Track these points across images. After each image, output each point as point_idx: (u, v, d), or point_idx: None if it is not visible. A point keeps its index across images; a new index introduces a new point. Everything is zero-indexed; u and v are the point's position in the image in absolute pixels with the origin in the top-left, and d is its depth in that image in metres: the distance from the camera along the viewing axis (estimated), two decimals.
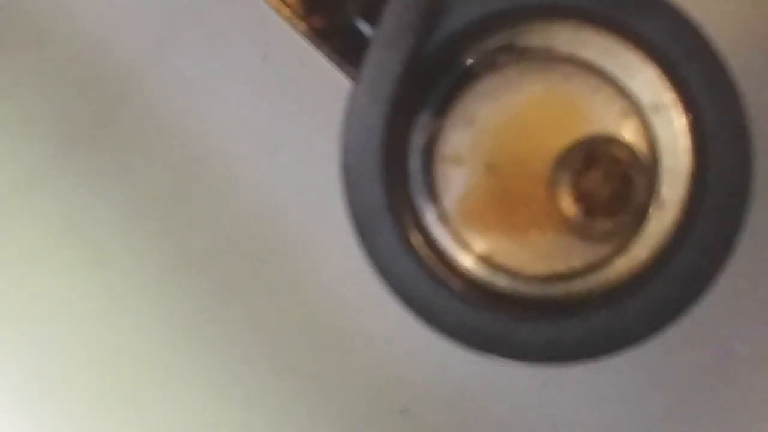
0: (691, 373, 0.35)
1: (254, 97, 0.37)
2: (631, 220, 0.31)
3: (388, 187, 0.30)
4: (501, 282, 0.32)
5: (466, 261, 0.32)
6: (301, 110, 0.37)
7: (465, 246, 0.32)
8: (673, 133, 0.31)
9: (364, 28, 0.33)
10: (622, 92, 0.31)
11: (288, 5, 0.34)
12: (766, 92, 0.34)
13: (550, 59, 0.32)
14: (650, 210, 0.31)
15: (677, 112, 0.31)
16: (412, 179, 0.32)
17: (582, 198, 0.31)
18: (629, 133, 0.31)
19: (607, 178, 0.32)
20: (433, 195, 0.32)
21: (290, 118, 0.37)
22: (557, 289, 0.31)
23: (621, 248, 0.31)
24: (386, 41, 0.30)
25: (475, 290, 0.31)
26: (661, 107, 0.31)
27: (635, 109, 0.31)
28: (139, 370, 0.38)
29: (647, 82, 0.31)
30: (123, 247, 0.38)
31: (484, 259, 0.32)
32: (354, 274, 0.35)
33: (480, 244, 0.32)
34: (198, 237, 0.38)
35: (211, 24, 0.38)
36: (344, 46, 0.33)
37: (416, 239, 0.31)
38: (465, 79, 0.32)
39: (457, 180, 0.32)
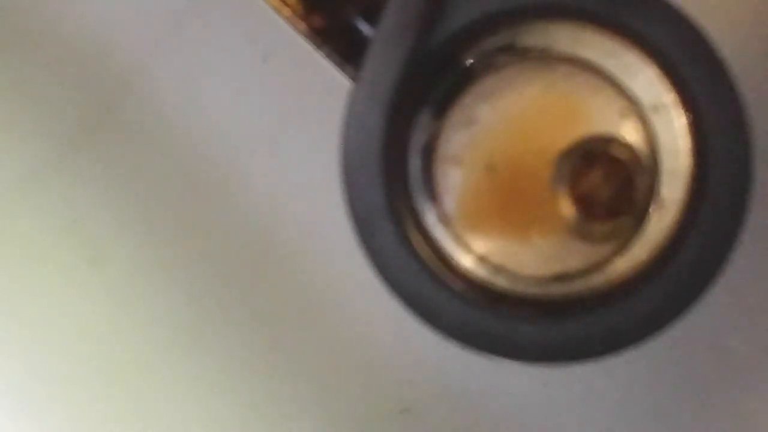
0: (691, 373, 0.35)
1: (254, 97, 0.37)
2: (631, 220, 0.31)
3: (389, 188, 0.30)
4: (501, 282, 0.32)
5: (467, 261, 0.32)
6: (301, 110, 0.37)
7: (465, 246, 0.32)
8: (673, 133, 0.31)
9: (364, 28, 0.33)
10: (622, 92, 0.31)
11: (288, 5, 0.34)
12: (766, 92, 0.34)
13: (550, 59, 0.32)
14: (650, 210, 0.31)
15: (677, 112, 0.31)
16: (412, 179, 0.32)
17: (582, 198, 0.31)
18: (629, 133, 0.31)
19: (607, 179, 0.32)
20: (433, 195, 0.32)
21: (290, 118, 0.37)
22: (557, 289, 0.31)
23: (621, 248, 0.31)
24: (386, 41, 0.30)
25: (475, 290, 0.31)
26: (661, 107, 0.31)
27: (635, 109, 0.31)
28: (139, 370, 0.38)
29: (647, 82, 0.31)
30: (123, 247, 0.38)
31: (484, 260, 0.32)
32: (354, 275, 0.35)
33: (480, 245, 0.32)
34: (197, 237, 0.38)
35: (212, 24, 0.38)
36: (344, 46, 0.33)
37: (416, 240, 0.31)
38: (465, 79, 0.32)
39: (457, 180, 0.32)
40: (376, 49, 0.30)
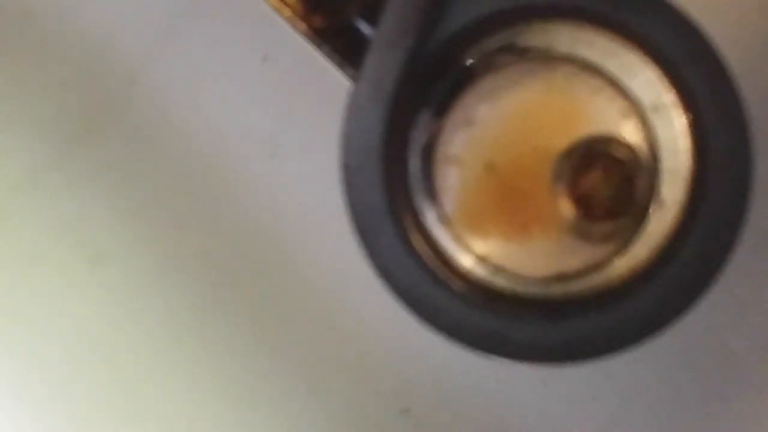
0: (691, 372, 0.35)
1: (255, 98, 0.37)
2: (631, 220, 0.31)
3: (389, 188, 0.30)
4: (501, 282, 0.32)
5: (466, 261, 0.32)
6: (301, 110, 0.37)
7: (465, 246, 0.32)
8: (673, 133, 0.31)
9: (364, 28, 0.33)
10: (623, 92, 0.31)
11: (288, 5, 0.34)
12: (766, 92, 0.34)
13: (550, 59, 0.32)
14: (650, 210, 0.31)
15: (677, 112, 0.31)
16: (413, 179, 0.32)
17: (582, 198, 0.31)
18: (629, 133, 0.31)
19: (607, 179, 0.32)
20: (433, 195, 0.32)
21: (290, 118, 0.37)
22: (557, 290, 0.31)
23: (621, 248, 0.31)
24: (386, 41, 0.30)
25: (475, 290, 0.31)
26: (661, 107, 0.31)
27: (635, 109, 0.31)
28: (139, 370, 0.38)
29: (647, 82, 0.31)
30: (123, 247, 0.38)
31: (484, 260, 0.32)
32: (354, 275, 0.35)
33: (480, 245, 0.32)
34: (198, 237, 0.38)
35: (212, 24, 0.38)
36: (344, 46, 0.33)
37: (416, 240, 0.31)
38: (465, 79, 0.32)
39: (457, 180, 0.32)
40: (376, 49, 0.30)
